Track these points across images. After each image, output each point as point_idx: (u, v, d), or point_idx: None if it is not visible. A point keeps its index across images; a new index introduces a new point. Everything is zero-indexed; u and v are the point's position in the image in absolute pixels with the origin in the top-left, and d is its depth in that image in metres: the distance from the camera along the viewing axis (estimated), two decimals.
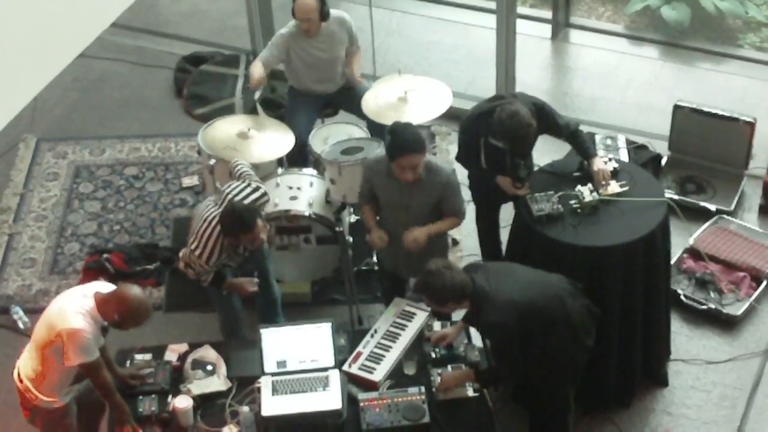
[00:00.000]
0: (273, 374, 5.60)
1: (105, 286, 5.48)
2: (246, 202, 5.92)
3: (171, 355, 5.82)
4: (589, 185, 6.09)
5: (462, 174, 6.37)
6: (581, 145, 6.28)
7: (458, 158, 6.55)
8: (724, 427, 6.29)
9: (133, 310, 5.28)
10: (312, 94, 7.31)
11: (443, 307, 5.44)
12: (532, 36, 8.82)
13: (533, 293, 5.41)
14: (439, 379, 5.61)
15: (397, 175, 5.82)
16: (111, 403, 5.49)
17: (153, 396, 5.59)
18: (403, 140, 5.75)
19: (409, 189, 5.89)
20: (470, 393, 5.55)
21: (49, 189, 7.91)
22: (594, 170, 6.15)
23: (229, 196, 5.95)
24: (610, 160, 6.26)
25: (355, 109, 7.14)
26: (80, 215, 7.70)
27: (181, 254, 6.07)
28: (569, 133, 6.28)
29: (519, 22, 7.87)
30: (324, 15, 7.04)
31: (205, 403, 5.56)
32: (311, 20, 7.01)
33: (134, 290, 5.34)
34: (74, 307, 5.27)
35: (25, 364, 5.50)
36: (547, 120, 6.15)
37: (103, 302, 5.31)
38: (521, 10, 8.56)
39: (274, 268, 6.54)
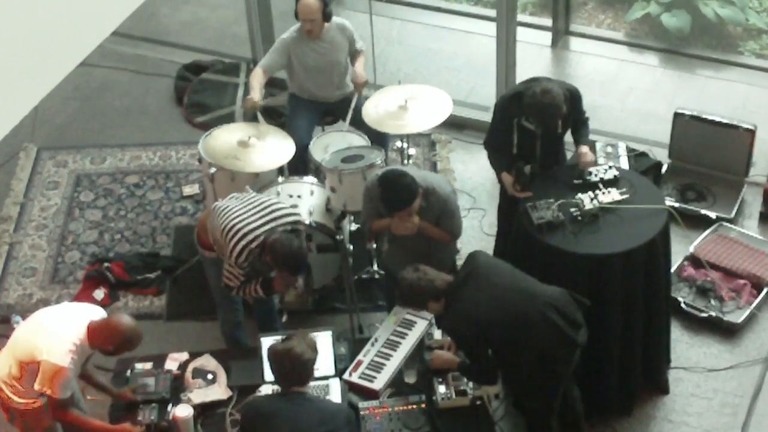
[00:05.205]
0: (274, 383, 5.58)
1: (96, 312, 5.46)
2: (284, 222, 5.82)
3: (171, 363, 5.82)
4: (590, 193, 6.10)
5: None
6: (582, 131, 6.40)
7: (486, 143, 6.52)
8: None
9: (127, 339, 5.32)
10: (312, 101, 7.31)
11: (425, 309, 5.48)
12: (533, 44, 8.81)
13: (501, 313, 5.36)
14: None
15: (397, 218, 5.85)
16: (96, 430, 5.49)
17: (153, 405, 5.59)
18: (390, 201, 5.76)
19: None
20: (471, 402, 5.54)
21: (49, 198, 7.91)
22: (580, 152, 6.31)
23: (273, 214, 5.82)
24: (610, 167, 6.29)
25: (356, 117, 7.14)
26: (81, 224, 7.70)
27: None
28: (582, 121, 6.39)
29: (519, 29, 7.88)
30: (327, 16, 7.04)
31: (205, 412, 5.57)
32: (314, 21, 7.01)
33: (125, 319, 5.38)
34: (66, 343, 5.24)
35: (0, 368, 5.46)
36: (576, 107, 6.25)
37: (95, 332, 5.32)
38: (521, 17, 8.56)
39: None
